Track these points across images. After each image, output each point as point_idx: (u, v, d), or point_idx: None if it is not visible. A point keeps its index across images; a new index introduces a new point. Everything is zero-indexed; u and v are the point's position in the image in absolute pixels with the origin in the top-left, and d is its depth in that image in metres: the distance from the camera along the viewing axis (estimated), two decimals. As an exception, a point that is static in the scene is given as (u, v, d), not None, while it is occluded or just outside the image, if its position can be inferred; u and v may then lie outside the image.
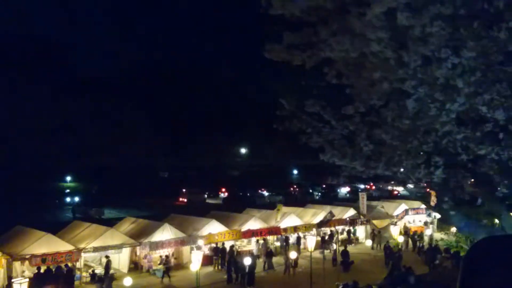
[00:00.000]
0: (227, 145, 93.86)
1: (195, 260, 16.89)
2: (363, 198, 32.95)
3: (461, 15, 5.13)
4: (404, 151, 6.78)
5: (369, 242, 30.30)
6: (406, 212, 33.83)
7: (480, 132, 6.40)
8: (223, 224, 25.87)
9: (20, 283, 12.86)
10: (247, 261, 20.33)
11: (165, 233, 23.60)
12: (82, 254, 20.79)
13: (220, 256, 24.37)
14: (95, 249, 21.12)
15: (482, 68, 5.55)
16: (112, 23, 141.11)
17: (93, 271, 21.52)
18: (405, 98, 6.07)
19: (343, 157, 7.00)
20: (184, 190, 60.21)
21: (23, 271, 19.39)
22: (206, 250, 24.38)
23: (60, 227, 24.68)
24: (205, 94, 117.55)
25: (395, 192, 60.88)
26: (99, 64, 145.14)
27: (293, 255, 22.78)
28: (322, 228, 29.07)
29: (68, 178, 78.74)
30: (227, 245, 24.53)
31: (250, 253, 24.16)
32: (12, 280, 14.59)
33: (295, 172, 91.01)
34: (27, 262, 19.18)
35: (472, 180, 8.33)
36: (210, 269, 23.95)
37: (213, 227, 25.19)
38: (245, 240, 26.84)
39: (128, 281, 16.85)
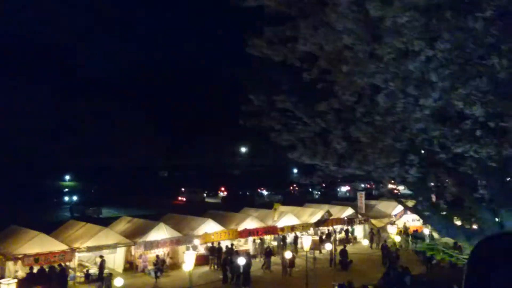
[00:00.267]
0: (227, 144, 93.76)
1: (187, 260, 16.66)
2: (361, 197, 32.80)
3: (434, 5, 4.88)
4: (377, 149, 6.47)
5: (366, 242, 30.08)
6: (404, 211, 33.58)
7: (459, 129, 6.10)
8: (219, 223, 25.72)
9: (8, 284, 12.69)
10: (241, 261, 20.12)
11: (161, 232, 23.42)
12: (76, 254, 20.60)
13: (216, 256, 24.22)
14: (89, 249, 20.91)
15: (458, 61, 5.30)
16: (112, 23, 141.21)
17: (87, 271, 21.35)
18: (377, 93, 5.82)
19: (313, 156, 6.74)
20: (183, 189, 60.06)
21: (16, 271, 19.21)
22: (202, 249, 24.23)
23: (57, 226, 24.52)
24: (205, 94, 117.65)
25: (395, 191, 60.57)
26: (99, 64, 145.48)
27: (288, 255, 22.57)
28: (320, 228, 28.88)
29: (67, 177, 78.68)
30: (223, 245, 24.37)
31: (245, 253, 23.98)
32: (0, 281, 14.40)
33: (295, 171, 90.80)
34: (20, 262, 19.03)
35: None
36: (206, 268, 23.79)
37: (209, 227, 25.03)
38: (242, 240, 26.67)
39: (119, 281, 16.60)
